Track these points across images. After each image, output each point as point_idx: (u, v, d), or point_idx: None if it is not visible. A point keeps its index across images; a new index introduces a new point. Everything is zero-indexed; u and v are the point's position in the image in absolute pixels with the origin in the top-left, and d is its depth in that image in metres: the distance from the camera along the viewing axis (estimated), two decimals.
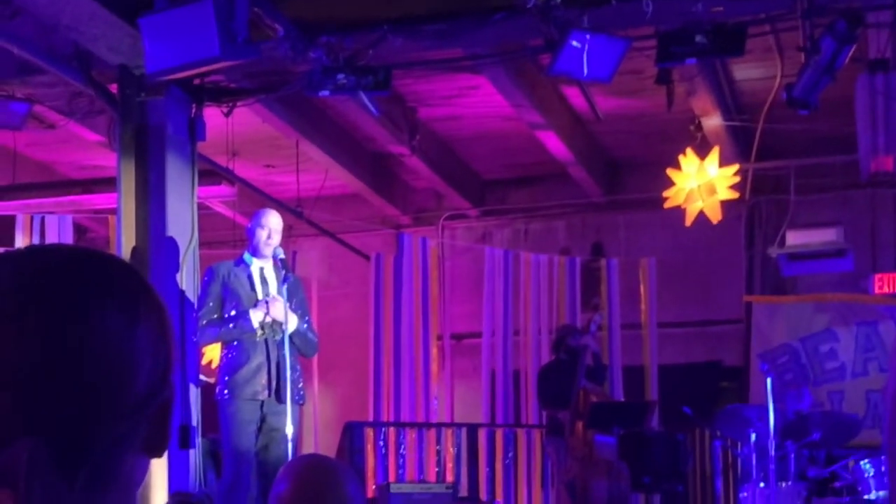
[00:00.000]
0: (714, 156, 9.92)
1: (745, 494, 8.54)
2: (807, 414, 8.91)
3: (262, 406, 7.19)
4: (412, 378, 11.39)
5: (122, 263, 1.19)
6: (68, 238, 10.44)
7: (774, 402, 8.28)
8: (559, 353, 9.92)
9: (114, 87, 7.92)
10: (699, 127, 10.28)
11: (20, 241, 10.34)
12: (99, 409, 1.10)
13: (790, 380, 10.95)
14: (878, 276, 11.20)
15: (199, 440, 7.71)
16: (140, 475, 1.17)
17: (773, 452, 8.19)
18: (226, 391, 7.20)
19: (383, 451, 10.47)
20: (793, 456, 8.39)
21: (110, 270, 1.16)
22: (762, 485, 8.33)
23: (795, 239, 10.89)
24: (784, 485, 8.33)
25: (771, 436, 8.20)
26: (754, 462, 8.42)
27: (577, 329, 10.28)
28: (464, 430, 10.83)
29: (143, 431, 1.14)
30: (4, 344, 1.08)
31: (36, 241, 10.22)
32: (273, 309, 7.22)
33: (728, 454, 10.14)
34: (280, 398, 7.13)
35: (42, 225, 10.55)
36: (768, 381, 8.37)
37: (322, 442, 11.63)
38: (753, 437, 8.46)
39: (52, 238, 10.31)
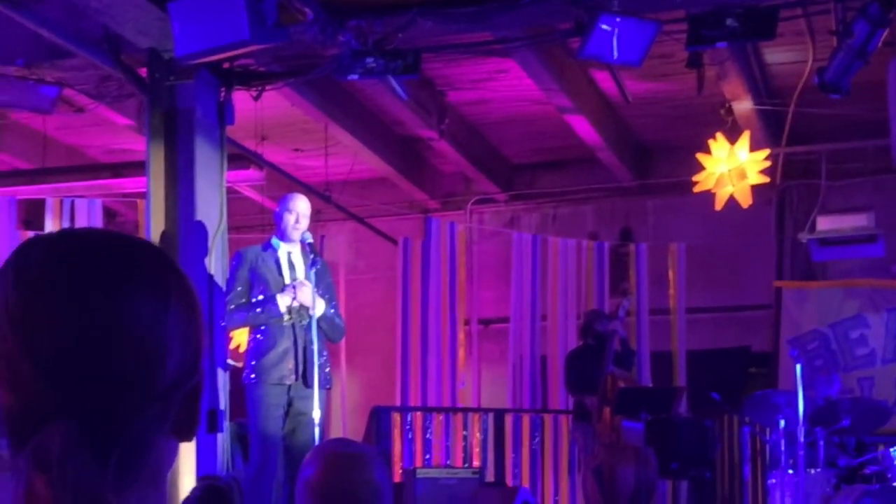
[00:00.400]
0: (744, 140, 9.85)
1: (774, 481, 8.51)
2: (836, 400, 8.87)
3: (289, 390, 7.20)
4: (439, 363, 11.40)
5: (153, 248, 1.19)
6: (98, 222, 10.49)
7: (804, 388, 8.24)
8: (587, 339, 9.90)
9: (143, 71, 7.94)
10: (729, 111, 10.22)
11: (50, 225, 10.39)
12: (130, 393, 1.11)
13: (820, 366, 10.90)
14: None
15: (226, 424, 7.74)
16: (170, 458, 1.18)
17: (802, 439, 8.15)
18: (253, 375, 7.22)
19: (410, 435, 10.47)
20: (822, 443, 8.35)
21: (141, 255, 1.17)
22: (791, 471, 8.30)
23: (826, 224, 10.82)
24: (813, 471, 8.30)
25: (800, 422, 8.16)
26: (783, 448, 8.39)
27: (605, 314, 10.26)
28: (490, 416, 10.82)
29: (173, 415, 1.15)
30: (37, 327, 1.09)
31: (66, 224, 10.27)
32: (300, 293, 7.22)
33: (757, 440, 10.10)
34: (307, 382, 7.14)
35: (72, 209, 10.60)
36: (798, 367, 8.33)
37: (349, 426, 11.65)
38: (782, 423, 8.43)
39: (81, 222, 10.34)
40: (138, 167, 9.12)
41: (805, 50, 9.33)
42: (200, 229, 7.80)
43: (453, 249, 11.64)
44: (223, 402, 7.72)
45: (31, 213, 11.29)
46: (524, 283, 11.69)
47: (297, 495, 2.72)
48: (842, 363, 11.16)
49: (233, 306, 7.35)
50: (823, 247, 10.81)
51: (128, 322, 1.10)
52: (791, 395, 8.41)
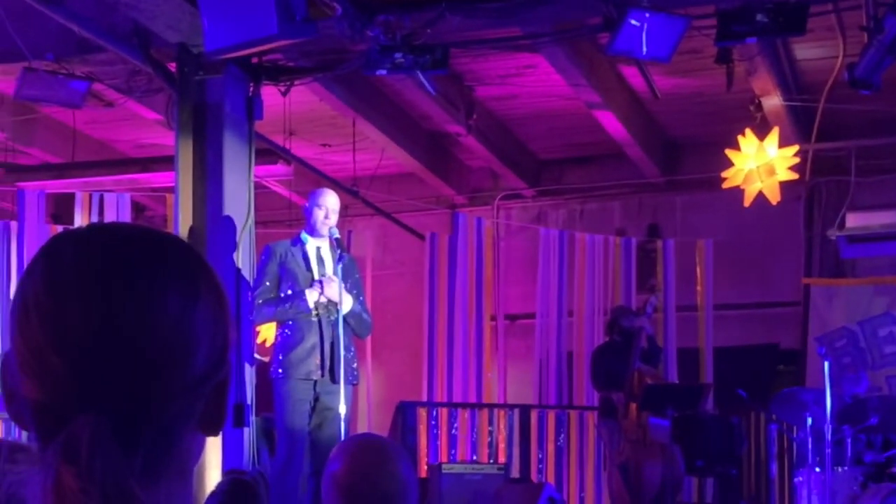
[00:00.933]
0: (773, 136, 9.81)
1: (801, 479, 8.48)
2: (864, 398, 8.83)
3: (315, 385, 7.21)
4: (465, 358, 11.40)
5: (182, 243, 1.20)
6: (126, 216, 10.53)
7: (831, 385, 8.21)
8: (613, 335, 9.88)
9: (172, 66, 7.96)
10: (759, 107, 10.18)
11: (79, 219, 10.44)
12: (158, 386, 1.11)
13: (848, 363, 10.85)
14: None
15: (253, 419, 7.76)
16: (196, 453, 1.18)
17: (829, 437, 8.12)
18: (280, 370, 7.24)
19: (435, 431, 10.48)
20: (849, 440, 8.32)
21: (170, 249, 1.17)
22: (818, 469, 8.26)
23: (855, 221, 10.77)
24: (840, 469, 8.27)
25: (827, 420, 8.13)
26: (810, 446, 8.36)
27: (632, 310, 10.25)
28: (516, 412, 10.83)
29: (200, 409, 1.16)
30: (65, 321, 1.10)
31: (94, 219, 10.32)
32: (328, 289, 7.23)
33: (784, 438, 10.07)
34: (334, 378, 7.15)
35: (101, 203, 10.64)
36: (826, 364, 8.30)
37: (375, 421, 11.67)
38: (809, 421, 8.40)
39: (110, 216, 10.39)
40: (167, 162, 9.16)
41: (835, 46, 9.28)
42: (228, 224, 7.83)
43: (480, 245, 11.64)
44: (249, 396, 7.74)
45: (61, 208, 11.36)
46: (551, 279, 11.67)
47: (323, 489, 2.73)
48: (870, 361, 11.10)
49: (261, 301, 7.37)
50: (852, 244, 10.77)
51: (156, 316, 1.11)
52: (819, 393, 8.38)
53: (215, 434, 1.19)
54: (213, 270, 1.19)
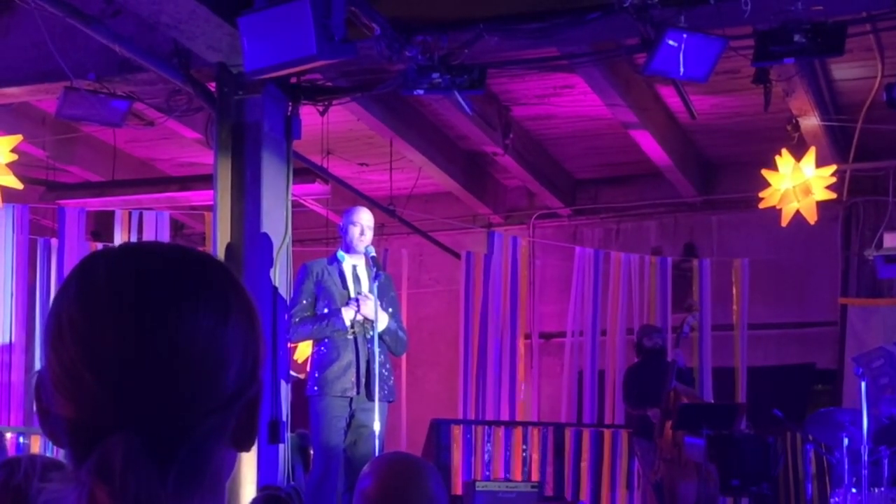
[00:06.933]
0: (811, 156, 9.78)
1: (837, 500, 8.44)
2: None
3: (351, 403, 7.24)
4: (500, 376, 11.41)
5: (215, 261, 1.21)
6: (165, 234, 10.62)
7: (868, 406, 8.17)
8: (639, 354, 9.93)
9: (212, 85, 8.04)
10: (796, 127, 10.16)
11: (118, 237, 10.53)
12: (190, 404, 1.12)
13: (885, 384, 10.76)
14: None
15: (288, 435, 7.80)
16: (229, 468, 1.19)
17: (866, 457, 8.08)
18: (316, 387, 7.27)
19: (470, 448, 10.49)
20: (886, 461, 8.27)
21: (203, 269, 1.19)
22: (854, 490, 8.22)
23: (893, 241, 10.71)
24: (877, 490, 8.22)
25: (864, 440, 8.09)
26: (847, 467, 8.31)
27: (655, 328, 10.29)
28: (550, 430, 10.82)
29: (232, 426, 1.17)
30: (99, 339, 1.11)
31: (134, 236, 10.41)
32: (364, 307, 7.26)
33: (820, 458, 10.01)
34: (370, 395, 7.18)
35: (140, 221, 10.72)
36: (862, 384, 8.26)
37: (410, 438, 11.69)
38: (846, 441, 8.36)
39: (149, 234, 10.48)
40: (206, 180, 9.24)
41: (873, 66, 9.26)
42: (266, 242, 7.88)
43: (515, 263, 11.66)
44: (285, 413, 7.79)
45: (101, 225, 11.48)
46: (586, 298, 11.67)
47: None
48: None
49: (297, 319, 7.40)
50: (890, 264, 10.70)
51: (187, 336, 1.12)
52: (855, 413, 8.34)
53: (247, 450, 1.20)
54: (244, 288, 1.21)
